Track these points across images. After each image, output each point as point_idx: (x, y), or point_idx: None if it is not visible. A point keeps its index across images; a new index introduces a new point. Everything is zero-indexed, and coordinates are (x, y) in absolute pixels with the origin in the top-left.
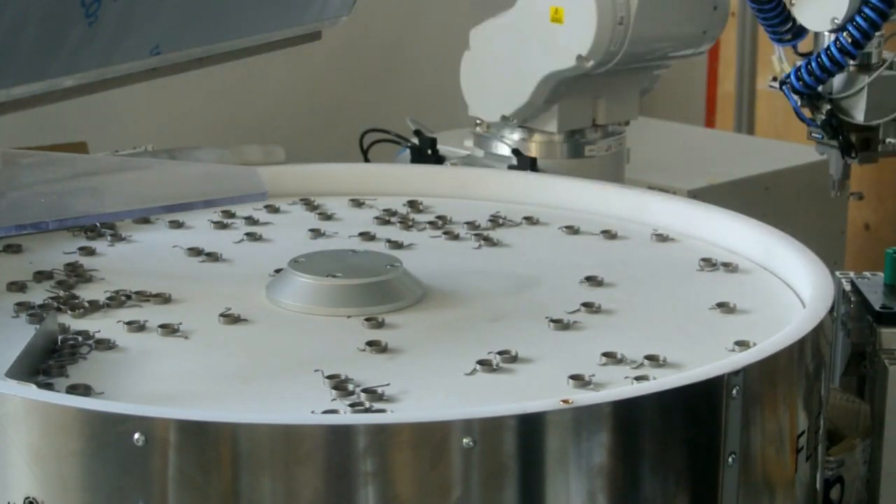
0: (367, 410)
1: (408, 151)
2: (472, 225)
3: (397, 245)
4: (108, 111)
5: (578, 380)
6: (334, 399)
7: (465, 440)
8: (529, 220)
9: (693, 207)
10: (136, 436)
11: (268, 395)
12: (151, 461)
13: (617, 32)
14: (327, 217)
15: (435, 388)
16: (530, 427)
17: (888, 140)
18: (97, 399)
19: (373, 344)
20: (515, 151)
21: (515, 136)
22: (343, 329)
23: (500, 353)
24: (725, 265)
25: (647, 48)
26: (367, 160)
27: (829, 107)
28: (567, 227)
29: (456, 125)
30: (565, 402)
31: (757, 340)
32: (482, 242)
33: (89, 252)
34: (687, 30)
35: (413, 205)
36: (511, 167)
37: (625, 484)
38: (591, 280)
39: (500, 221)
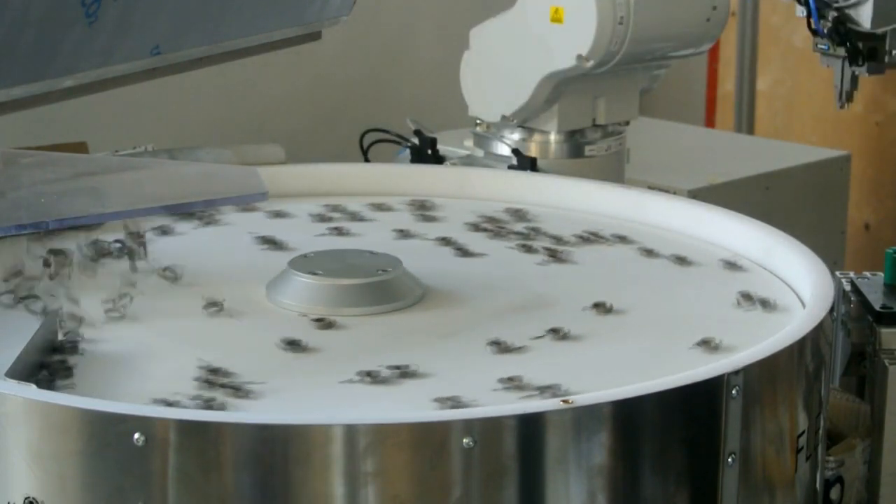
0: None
1: (408, 151)
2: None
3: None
4: (108, 111)
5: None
6: (334, 399)
7: (465, 440)
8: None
9: (693, 207)
10: (136, 436)
11: (268, 395)
12: (151, 461)
13: (617, 32)
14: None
15: (435, 388)
16: (530, 427)
17: (895, 51)
18: (97, 399)
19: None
20: (515, 151)
21: (515, 136)
22: (344, 329)
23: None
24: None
25: (646, 48)
26: (367, 160)
27: (835, 14)
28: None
29: (456, 125)
30: (565, 402)
31: (758, 341)
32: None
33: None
34: (687, 29)
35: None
36: (511, 167)
37: (625, 484)
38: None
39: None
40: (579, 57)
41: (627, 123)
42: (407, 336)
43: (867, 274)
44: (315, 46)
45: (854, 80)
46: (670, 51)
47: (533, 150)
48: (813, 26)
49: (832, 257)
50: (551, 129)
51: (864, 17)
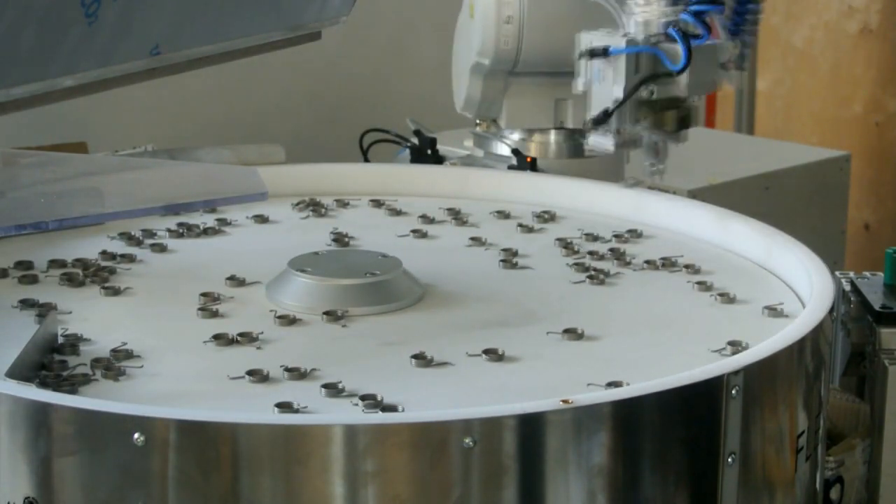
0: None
1: (408, 151)
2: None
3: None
4: (108, 111)
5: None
6: (333, 399)
7: (465, 440)
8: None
9: (693, 207)
10: (136, 436)
11: (268, 395)
12: (151, 461)
13: (505, 31)
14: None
15: (434, 387)
16: (530, 427)
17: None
18: (97, 399)
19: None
20: (515, 151)
21: (515, 136)
22: (343, 329)
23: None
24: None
25: (557, 54)
26: (367, 160)
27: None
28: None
29: (456, 125)
30: (565, 402)
31: (757, 341)
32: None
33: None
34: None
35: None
36: (511, 167)
37: (625, 484)
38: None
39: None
40: (478, 54)
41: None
42: (471, 326)
43: (867, 274)
44: (315, 46)
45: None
46: None
47: (533, 150)
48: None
49: (832, 257)
50: (504, 126)
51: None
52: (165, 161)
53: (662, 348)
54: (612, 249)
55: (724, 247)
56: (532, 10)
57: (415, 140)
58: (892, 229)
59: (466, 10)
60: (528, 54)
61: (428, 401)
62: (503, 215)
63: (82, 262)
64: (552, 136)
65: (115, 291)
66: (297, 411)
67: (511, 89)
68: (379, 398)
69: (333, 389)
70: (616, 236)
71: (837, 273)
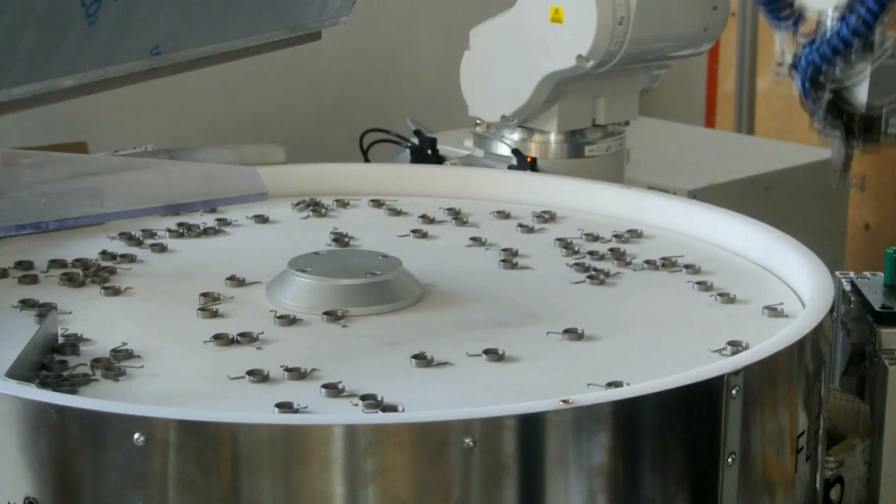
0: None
1: (408, 151)
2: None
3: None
4: (108, 111)
5: None
6: (333, 399)
7: (465, 440)
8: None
9: (693, 207)
10: (136, 436)
11: (268, 395)
12: (151, 461)
13: (617, 32)
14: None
15: (434, 387)
16: (530, 427)
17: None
18: (97, 399)
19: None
20: (515, 151)
21: (515, 136)
22: (343, 329)
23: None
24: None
25: (646, 48)
26: (367, 160)
27: (829, 95)
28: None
29: (456, 125)
30: (565, 402)
31: (757, 341)
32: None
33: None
34: (686, 30)
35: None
36: (511, 167)
37: (625, 484)
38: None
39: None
40: (579, 57)
41: (627, 123)
42: (471, 326)
43: (867, 274)
44: (315, 46)
45: (849, 158)
46: (670, 51)
47: (533, 150)
48: (807, 107)
49: (832, 257)
50: (551, 130)
51: (858, 96)
52: (165, 161)
53: (662, 348)
54: (612, 249)
55: (724, 247)
56: (640, 7)
57: (415, 140)
58: (892, 229)
59: (536, 17)
60: (626, 52)
61: (428, 401)
62: (503, 215)
63: (82, 262)
64: (552, 136)
65: (116, 291)
66: (297, 411)
67: (565, 92)
68: (379, 398)
69: (333, 389)
70: (616, 236)
71: (837, 273)
